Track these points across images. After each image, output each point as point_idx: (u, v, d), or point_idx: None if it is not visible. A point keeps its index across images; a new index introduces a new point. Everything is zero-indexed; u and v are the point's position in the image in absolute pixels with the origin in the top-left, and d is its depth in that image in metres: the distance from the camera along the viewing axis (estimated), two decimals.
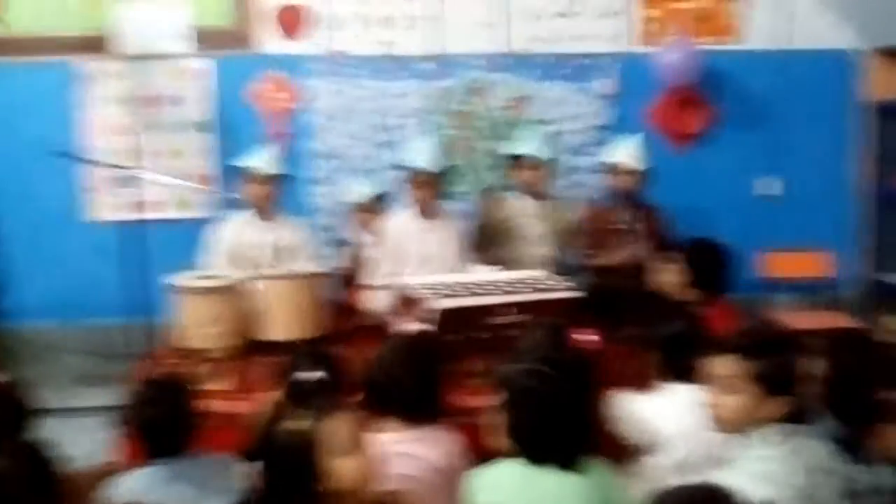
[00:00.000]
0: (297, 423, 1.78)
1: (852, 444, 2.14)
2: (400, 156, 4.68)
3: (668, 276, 3.21)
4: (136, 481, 2.12)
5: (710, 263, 3.20)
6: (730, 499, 1.51)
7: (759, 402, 1.85)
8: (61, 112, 4.75)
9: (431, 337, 2.75)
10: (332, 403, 1.84)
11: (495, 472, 1.96)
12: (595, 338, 2.18)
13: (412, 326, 2.95)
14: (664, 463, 2.34)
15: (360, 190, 4.11)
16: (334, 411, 1.81)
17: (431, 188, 3.72)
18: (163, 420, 2.12)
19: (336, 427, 1.78)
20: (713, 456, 2.26)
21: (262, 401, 2.59)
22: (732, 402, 1.89)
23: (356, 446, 1.80)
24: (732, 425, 1.94)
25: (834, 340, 2.47)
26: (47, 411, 2.53)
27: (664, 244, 3.98)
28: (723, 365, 1.91)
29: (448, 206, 4.05)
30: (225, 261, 3.77)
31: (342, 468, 1.76)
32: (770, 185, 4.97)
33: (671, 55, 4.66)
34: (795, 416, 1.88)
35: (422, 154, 3.74)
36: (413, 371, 2.30)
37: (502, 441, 1.96)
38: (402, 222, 3.82)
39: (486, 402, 2.85)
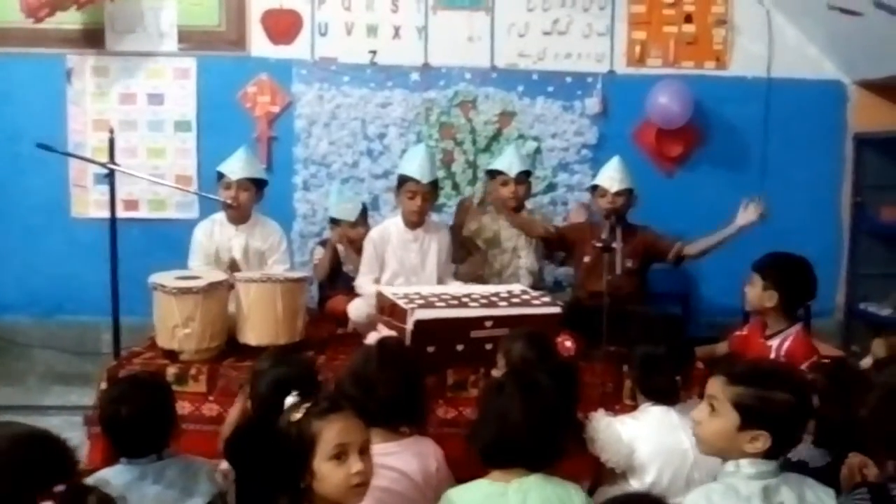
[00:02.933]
0: (296, 417, 1.74)
1: (836, 471, 2.17)
2: (391, 164, 4.73)
3: None
4: (104, 480, 2.08)
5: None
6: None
7: (735, 429, 1.84)
8: (52, 106, 4.74)
9: (403, 345, 2.72)
10: (334, 404, 1.78)
11: (459, 493, 1.96)
12: (570, 344, 2.18)
13: (385, 335, 2.94)
14: (637, 487, 2.33)
15: (344, 205, 4.11)
16: (333, 412, 1.76)
17: (423, 198, 3.72)
18: (132, 418, 2.08)
19: (332, 429, 1.73)
20: (684, 480, 2.28)
21: (233, 404, 2.59)
22: (712, 424, 1.90)
23: (348, 453, 1.73)
24: (709, 447, 1.94)
25: (822, 374, 2.49)
26: (20, 408, 2.50)
27: (659, 253, 3.97)
28: (713, 385, 1.92)
29: (430, 217, 4.04)
30: (201, 262, 3.75)
31: (329, 472, 1.71)
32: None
33: (662, 97, 4.67)
34: (775, 455, 1.86)
35: (416, 164, 3.74)
36: (390, 380, 2.28)
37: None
38: (385, 230, 3.82)
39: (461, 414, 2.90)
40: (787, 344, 3.08)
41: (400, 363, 2.34)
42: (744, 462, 1.84)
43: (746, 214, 3.65)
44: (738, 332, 3.39)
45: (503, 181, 4.02)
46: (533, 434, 1.92)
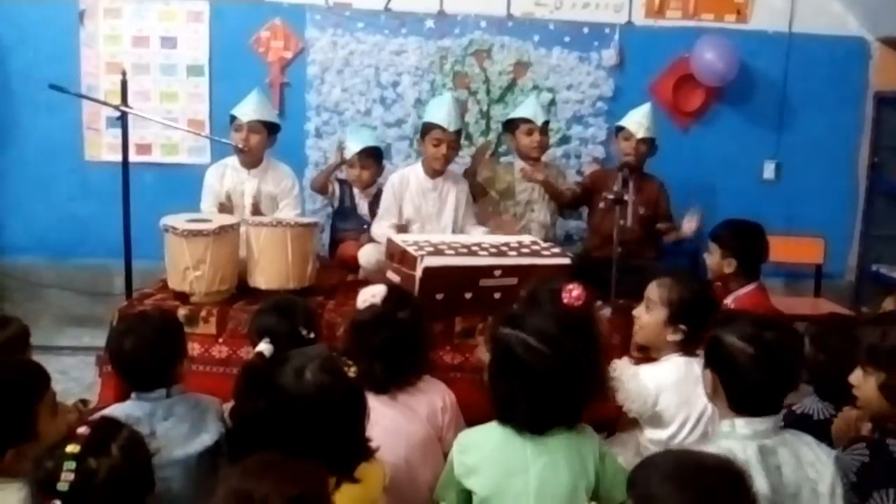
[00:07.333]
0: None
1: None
2: (404, 112, 4.74)
3: None
4: (119, 414, 2.11)
5: None
6: (743, 480, 1.44)
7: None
8: (64, 48, 4.71)
9: (404, 293, 2.67)
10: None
11: (477, 434, 1.96)
12: (578, 293, 2.08)
13: (393, 280, 2.95)
14: (659, 436, 2.33)
15: (356, 142, 4.09)
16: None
17: (448, 147, 3.71)
18: (136, 349, 2.10)
19: None
20: (701, 432, 2.27)
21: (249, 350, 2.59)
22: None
23: None
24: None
25: (820, 324, 2.49)
26: (34, 348, 2.55)
27: (659, 217, 3.99)
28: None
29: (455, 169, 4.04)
30: (212, 206, 3.76)
31: None
32: (768, 169, 4.96)
33: (708, 55, 4.61)
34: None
35: (443, 112, 3.72)
36: (389, 327, 2.29)
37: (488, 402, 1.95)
38: (405, 177, 3.82)
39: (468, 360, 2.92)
40: (735, 303, 3.12)
41: (398, 310, 2.32)
42: (739, 422, 1.83)
43: (690, 224, 3.80)
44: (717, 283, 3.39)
45: (528, 129, 3.98)
46: (544, 402, 1.87)
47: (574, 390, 1.89)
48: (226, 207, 3.73)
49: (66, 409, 2.30)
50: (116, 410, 2.13)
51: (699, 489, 1.39)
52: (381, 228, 3.70)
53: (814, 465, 1.80)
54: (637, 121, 3.93)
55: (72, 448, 1.45)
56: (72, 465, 1.43)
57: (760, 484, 1.68)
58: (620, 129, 4.00)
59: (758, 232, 3.25)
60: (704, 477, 1.41)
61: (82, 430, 1.50)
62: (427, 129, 3.75)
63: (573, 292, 2.07)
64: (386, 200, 3.80)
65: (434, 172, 3.80)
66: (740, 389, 1.83)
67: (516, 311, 2.05)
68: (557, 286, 2.15)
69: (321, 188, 4.24)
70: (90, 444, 1.48)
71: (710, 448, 1.79)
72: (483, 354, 2.03)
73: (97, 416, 1.58)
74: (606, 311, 2.95)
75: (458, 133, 3.78)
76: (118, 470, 1.49)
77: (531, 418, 1.87)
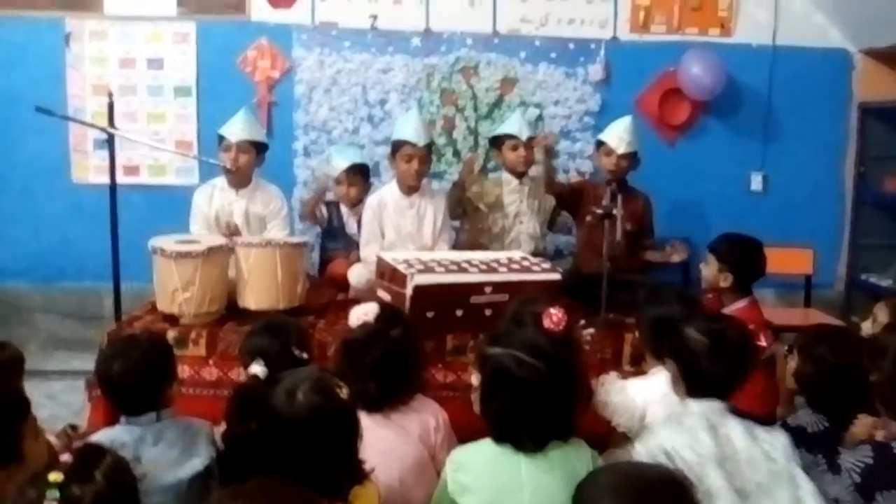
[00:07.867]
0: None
1: (832, 436, 2.18)
2: (391, 130, 4.69)
3: None
4: (105, 439, 2.09)
5: None
6: (687, 491, 1.47)
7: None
8: (50, 70, 4.70)
9: (397, 312, 2.68)
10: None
11: (470, 452, 1.96)
12: (558, 318, 2.08)
13: (384, 299, 2.94)
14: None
15: (343, 160, 4.09)
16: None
17: (420, 162, 3.70)
18: (124, 372, 2.08)
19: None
20: None
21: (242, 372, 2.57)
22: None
23: None
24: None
25: (811, 335, 2.49)
26: None
27: (644, 231, 4.01)
28: None
29: (429, 184, 4.03)
30: (201, 227, 3.74)
31: None
32: (755, 180, 4.99)
33: (695, 69, 4.65)
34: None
35: (411, 127, 3.72)
36: (382, 345, 2.28)
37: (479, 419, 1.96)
38: (382, 197, 3.80)
39: (460, 378, 2.91)
40: None
41: (389, 331, 2.31)
42: (691, 401, 2.01)
43: (664, 254, 3.87)
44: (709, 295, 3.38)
45: (513, 145, 3.98)
46: (534, 419, 1.88)
47: (568, 402, 1.92)
48: (236, 229, 3.69)
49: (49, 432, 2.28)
50: (105, 436, 2.10)
51: (643, 502, 1.43)
52: (371, 254, 3.67)
53: (767, 441, 1.92)
54: (618, 135, 3.90)
55: (55, 476, 1.43)
56: (55, 493, 1.41)
57: (706, 443, 1.87)
58: (601, 143, 3.99)
59: (756, 248, 3.21)
60: (648, 490, 1.46)
61: (65, 457, 1.48)
62: (397, 146, 3.74)
63: (554, 317, 2.08)
64: (369, 224, 3.77)
65: (409, 189, 3.78)
66: (696, 375, 2.01)
67: (501, 331, 2.06)
68: (539, 309, 2.15)
69: (310, 217, 4.25)
70: (74, 471, 1.46)
71: (664, 426, 1.99)
72: (472, 378, 2.02)
73: (81, 442, 1.56)
74: (590, 331, 2.95)
75: (428, 147, 3.76)
76: (103, 497, 1.47)
77: (530, 434, 1.88)
